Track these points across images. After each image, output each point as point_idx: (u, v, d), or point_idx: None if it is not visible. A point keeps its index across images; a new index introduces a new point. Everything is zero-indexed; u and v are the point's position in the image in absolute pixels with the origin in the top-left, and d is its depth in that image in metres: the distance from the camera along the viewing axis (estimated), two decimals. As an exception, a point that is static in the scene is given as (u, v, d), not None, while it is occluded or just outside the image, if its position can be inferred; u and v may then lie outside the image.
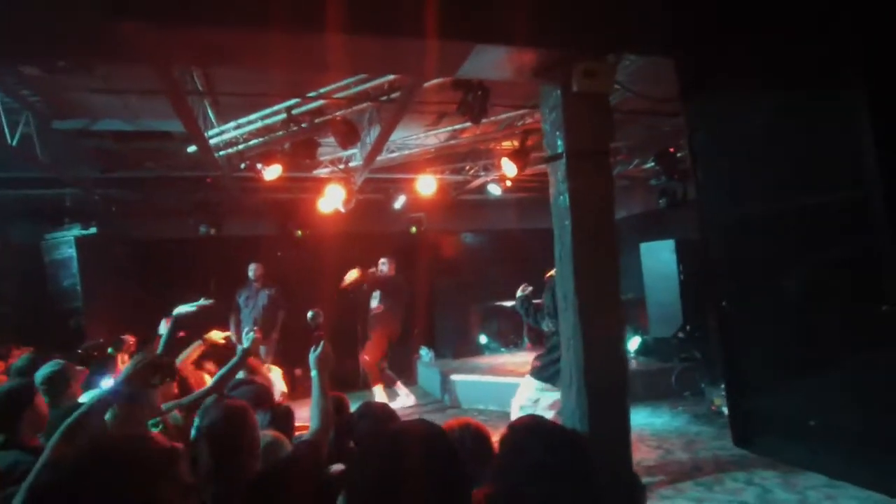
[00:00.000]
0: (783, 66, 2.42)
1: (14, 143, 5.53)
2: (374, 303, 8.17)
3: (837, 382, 2.29)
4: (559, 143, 2.58)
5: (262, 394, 3.32)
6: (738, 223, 2.69)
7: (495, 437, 2.11)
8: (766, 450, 2.66)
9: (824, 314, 2.33)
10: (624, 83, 3.47)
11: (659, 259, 8.21)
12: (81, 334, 7.11)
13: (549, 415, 4.43)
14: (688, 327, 7.72)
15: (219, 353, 4.35)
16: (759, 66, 2.52)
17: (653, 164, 7.76)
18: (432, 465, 1.26)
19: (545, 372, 4.54)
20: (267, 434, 2.69)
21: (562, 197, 2.59)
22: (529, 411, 4.27)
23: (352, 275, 7.86)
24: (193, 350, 4.03)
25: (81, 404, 2.46)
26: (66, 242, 7.53)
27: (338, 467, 2.47)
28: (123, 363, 4.92)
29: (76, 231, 7.53)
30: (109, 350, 5.16)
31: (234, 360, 3.88)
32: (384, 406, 2.99)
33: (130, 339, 5.24)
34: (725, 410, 6.46)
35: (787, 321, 2.48)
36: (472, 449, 2.22)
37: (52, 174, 6.75)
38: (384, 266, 8.28)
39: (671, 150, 7.18)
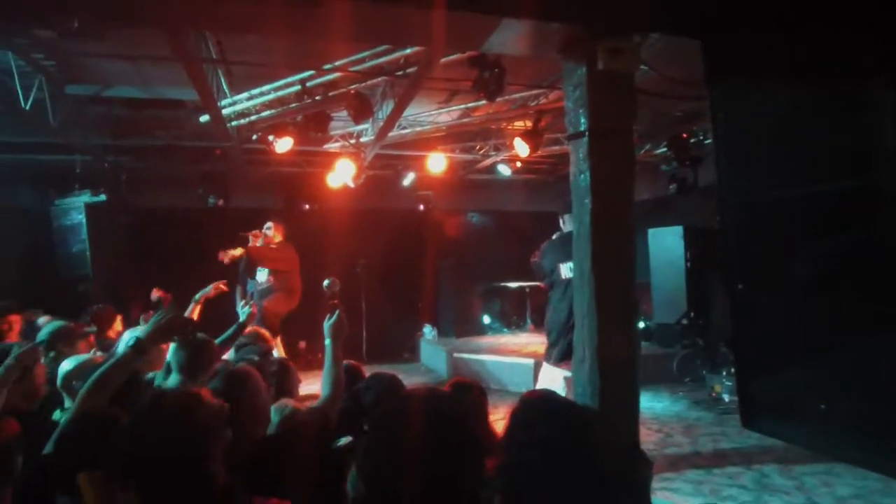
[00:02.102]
0: (809, 54, 2.41)
1: (27, 106, 5.51)
2: (262, 276, 6.89)
3: (848, 367, 2.31)
4: (582, 120, 2.58)
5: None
6: (754, 206, 2.70)
7: (496, 416, 2.14)
8: (773, 431, 2.70)
9: (836, 299, 2.35)
10: (649, 63, 3.45)
11: (666, 245, 8.23)
12: (89, 299, 7.16)
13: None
14: (691, 314, 7.76)
15: None
16: (785, 53, 2.51)
17: (664, 149, 7.73)
18: (445, 430, 1.27)
19: (555, 351, 4.51)
20: (287, 405, 2.73)
21: (582, 175, 2.59)
22: None
23: (235, 252, 6.75)
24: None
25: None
26: (75, 209, 7.56)
27: (347, 440, 2.50)
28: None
29: (86, 198, 7.55)
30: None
31: (229, 332, 3.96)
32: (392, 377, 3.01)
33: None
34: (725, 397, 6.54)
35: (799, 305, 2.51)
36: (471, 403, 2.26)
37: (63, 140, 6.74)
38: (269, 231, 6.96)
39: (684, 135, 7.14)
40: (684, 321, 7.82)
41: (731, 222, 2.74)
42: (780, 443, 4.36)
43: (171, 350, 2.95)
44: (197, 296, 4.43)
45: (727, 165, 2.77)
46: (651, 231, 8.44)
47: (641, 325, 8.58)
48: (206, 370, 2.87)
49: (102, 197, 7.64)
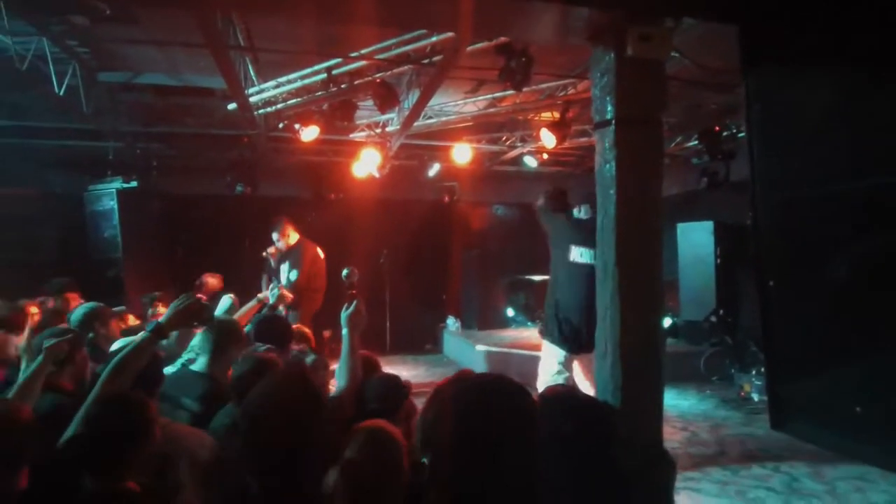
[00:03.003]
0: (855, 40, 2.30)
1: (62, 93, 5.62)
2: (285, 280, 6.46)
3: (883, 369, 2.21)
4: (609, 108, 2.50)
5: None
6: (790, 202, 2.60)
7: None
8: (803, 434, 2.61)
9: (873, 299, 2.25)
10: (681, 50, 3.34)
11: (695, 241, 8.05)
12: (120, 284, 7.32)
13: (580, 378, 4.40)
14: (721, 311, 7.59)
15: None
16: (827, 41, 2.39)
17: (695, 142, 7.53)
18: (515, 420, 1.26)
19: (545, 330, 4.52)
20: None
21: (608, 165, 2.51)
22: (556, 380, 4.23)
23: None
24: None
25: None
26: (107, 194, 7.70)
27: None
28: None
29: (118, 184, 7.69)
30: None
31: (250, 303, 4.04)
32: (393, 377, 2.96)
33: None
34: (755, 397, 6.39)
35: (833, 305, 2.41)
36: None
37: (96, 126, 6.87)
38: (280, 243, 6.48)
39: (716, 128, 6.94)
40: (713, 318, 7.64)
41: (764, 217, 2.64)
42: (812, 445, 4.23)
43: (198, 335, 2.98)
44: (261, 295, 4.60)
45: (762, 158, 2.66)
46: (680, 226, 8.27)
47: (668, 321, 8.42)
48: (234, 353, 2.89)
49: (134, 183, 7.77)
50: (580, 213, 4.36)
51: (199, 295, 2.48)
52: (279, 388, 1.64)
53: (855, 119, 2.28)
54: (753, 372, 6.56)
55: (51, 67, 5.33)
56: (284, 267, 6.20)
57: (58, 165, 8.36)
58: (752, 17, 2.47)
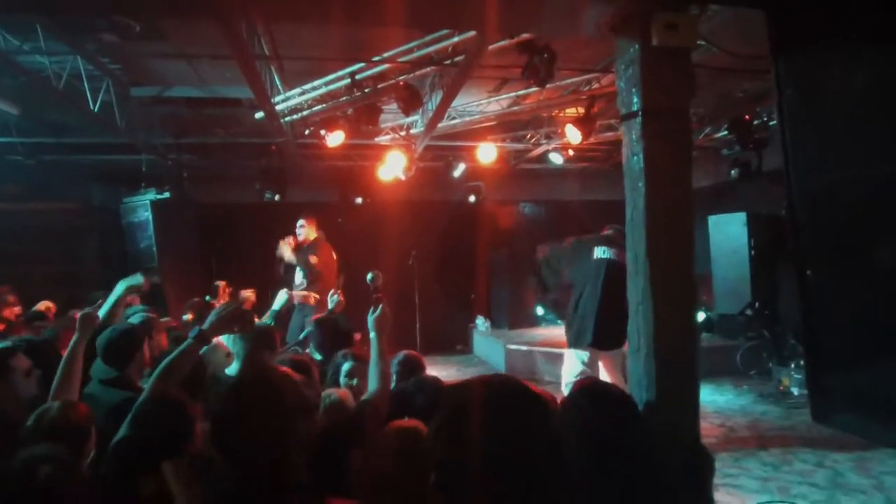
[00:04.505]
0: (885, 25, 2.23)
1: (96, 109, 5.81)
2: (298, 278, 6.67)
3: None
4: (635, 100, 2.46)
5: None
6: (827, 189, 2.53)
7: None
8: (847, 426, 2.54)
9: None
10: (708, 38, 3.28)
11: (728, 233, 7.89)
12: (160, 293, 7.51)
13: (603, 373, 4.42)
14: (756, 304, 7.42)
15: None
16: (861, 24, 2.33)
17: (725, 132, 7.38)
18: (521, 421, 1.23)
19: (569, 336, 4.57)
20: (333, 393, 2.76)
21: (635, 157, 2.48)
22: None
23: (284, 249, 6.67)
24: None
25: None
26: (142, 206, 7.92)
27: None
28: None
29: (152, 195, 7.90)
30: (207, 297, 5.69)
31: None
32: (436, 379, 2.98)
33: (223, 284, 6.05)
34: (795, 391, 6.23)
35: (875, 293, 2.34)
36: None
37: (130, 140, 7.07)
38: (301, 230, 6.74)
39: (746, 117, 6.79)
40: (748, 312, 7.48)
41: (800, 206, 2.58)
42: (857, 439, 4.10)
43: (232, 339, 3.05)
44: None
45: (795, 145, 2.60)
46: (712, 218, 8.11)
47: (702, 315, 8.26)
48: (267, 359, 2.96)
49: (167, 194, 7.98)
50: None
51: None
52: (239, 389, 1.63)
53: (890, 101, 2.21)
54: (792, 365, 6.40)
55: (85, 85, 5.52)
56: (301, 257, 6.58)
57: (96, 179, 8.66)
58: (780, 1, 2.41)
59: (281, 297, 4.77)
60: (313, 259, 6.46)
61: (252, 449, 1.44)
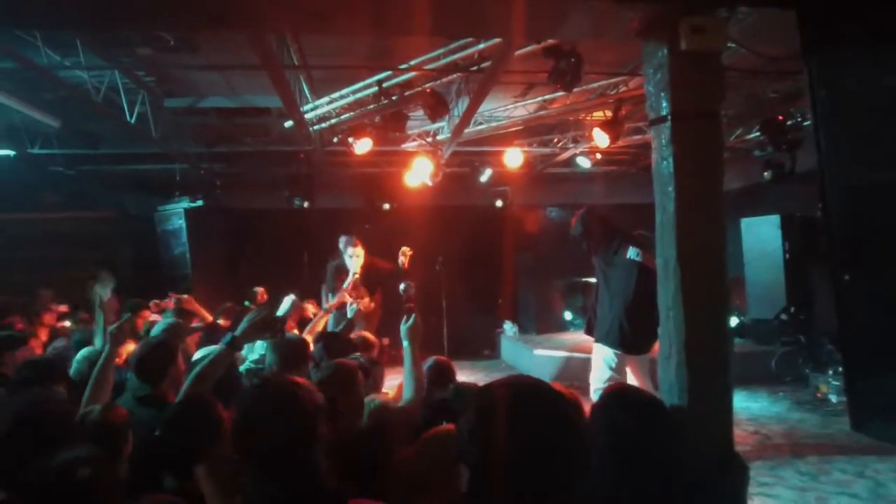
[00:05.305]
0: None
1: (132, 120, 5.99)
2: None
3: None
4: (664, 104, 2.44)
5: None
6: (863, 190, 2.47)
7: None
8: (887, 435, 2.46)
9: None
10: (738, 40, 3.23)
11: (761, 236, 7.73)
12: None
13: (631, 378, 4.37)
14: (792, 309, 7.24)
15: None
16: (891, 20, 2.27)
17: (757, 133, 7.23)
18: (549, 421, 1.23)
19: (594, 331, 4.58)
20: (375, 398, 2.79)
21: (665, 162, 2.46)
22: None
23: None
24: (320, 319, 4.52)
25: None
26: (176, 214, 8.13)
27: None
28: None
29: (185, 203, 8.11)
30: (246, 302, 5.80)
31: (340, 328, 4.19)
32: (475, 385, 2.98)
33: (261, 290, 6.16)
34: (833, 398, 6.06)
35: (916, 297, 2.27)
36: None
37: (164, 149, 7.27)
38: (357, 258, 6.36)
39: (779, 118, 6.65)
40: (783, 316, 7.30)
41: (835, 207, 2.51)
42: (898, 449, 3.98)
43: (266, 348, 3.11)
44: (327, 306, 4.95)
45: (830, 146, 2.54)
46: (745, 221, 7.96)
47: (735, 320, 8.10)
48: (301, 368, 2.99)
49: (200, 202, 8.17)
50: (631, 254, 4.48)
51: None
52: (251, 394, 1.66)
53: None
54: (830, 372, 6.22)
55: (122, 97, 5.70)
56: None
57: (131, 188, 8.91)
58: (811, 1, 2.37)
59: (286, 303, 4.78)
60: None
61: (265, 453, 1.47)
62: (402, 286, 3.19)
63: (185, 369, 2.96)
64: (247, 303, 5.83)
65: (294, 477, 1.46)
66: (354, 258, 6.47)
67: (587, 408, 1.85)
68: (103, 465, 1.65)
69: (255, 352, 3.72)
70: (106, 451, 1.79)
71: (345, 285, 5.08)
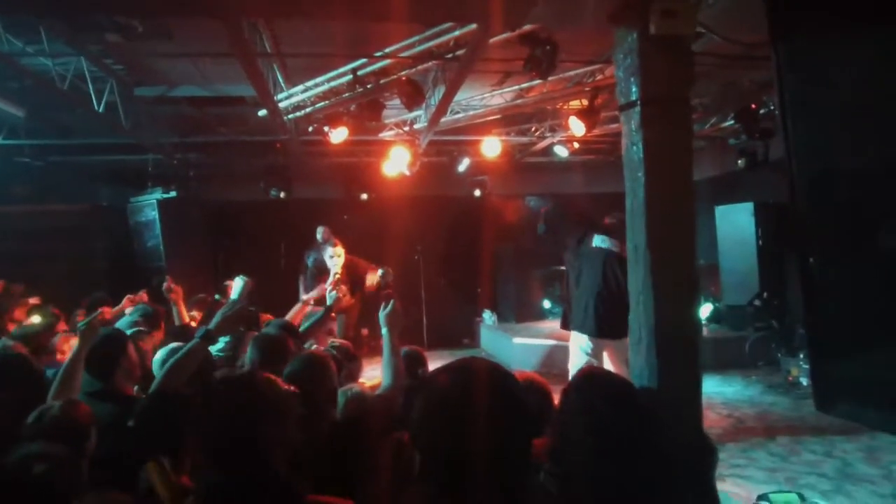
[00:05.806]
0: (889, 7, 2.19)
1: (101, 109, 5.84)
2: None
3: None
4: (634, 90, 2.45)
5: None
6: (829, 175, 2.50)
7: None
8: (852, 415, 2.51)
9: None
10: (709, 26, 3.25)
11: (735, 223, 7.83)
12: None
13: (607, 364, 4.42)
14: (765, 295, 7.37)
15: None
16: (862, 6, 2.29)
17: (731, 122, 7.31)
18: (498, 403, 1.22)
19: (572, 319, 4.64)
20: (354, 387, 2.77)
21: (635, 147, 2.47)
22: None
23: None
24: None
25: None
26: (149, 205, 7.97)
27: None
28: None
29: (158, 194, 7.95)
30: (216, 296, 5.73)
31: (319, 314, 4.13)
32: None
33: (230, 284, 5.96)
34: (803, 381, 6.19)
35: (878, 280, 2.31)
36: (535, 403, 2.20)
37: (135, 140, 7.12)
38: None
39: (753, 106, 6.72)
40: (757, 302, 7.43)
41: (802, 192, 2.55)
42: (866, 428, 4.08)
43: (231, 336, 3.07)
44: (305, 297, 4.83)
45: (798, 131, 2.57)
46: (719, 209, 8.05)
47: (710, 306, 8.22)
48: (281, 364, 2.95)
49: (173, 193, 8.02)
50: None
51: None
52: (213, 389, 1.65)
53: (892, 84, 2.18)
54: (801, 356, 6.35)
55: (89, 86, 5.55)
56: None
57: (103, 179, 8.72)
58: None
59: (237, 283, 4.43)
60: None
61: (223, 447, 1.46)
62: (379, 272, 3.14)
63: (139, 362, 2.88)
64: (217, 297, 5.74)
65: (245, 470, 1.44)
66: (336, 258, 6.47)
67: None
68: (61, 462, 1.61)
69: (220, 340, 3.66)
70: (67, 447, 1.75)
71: (326, 285, 5.04)
